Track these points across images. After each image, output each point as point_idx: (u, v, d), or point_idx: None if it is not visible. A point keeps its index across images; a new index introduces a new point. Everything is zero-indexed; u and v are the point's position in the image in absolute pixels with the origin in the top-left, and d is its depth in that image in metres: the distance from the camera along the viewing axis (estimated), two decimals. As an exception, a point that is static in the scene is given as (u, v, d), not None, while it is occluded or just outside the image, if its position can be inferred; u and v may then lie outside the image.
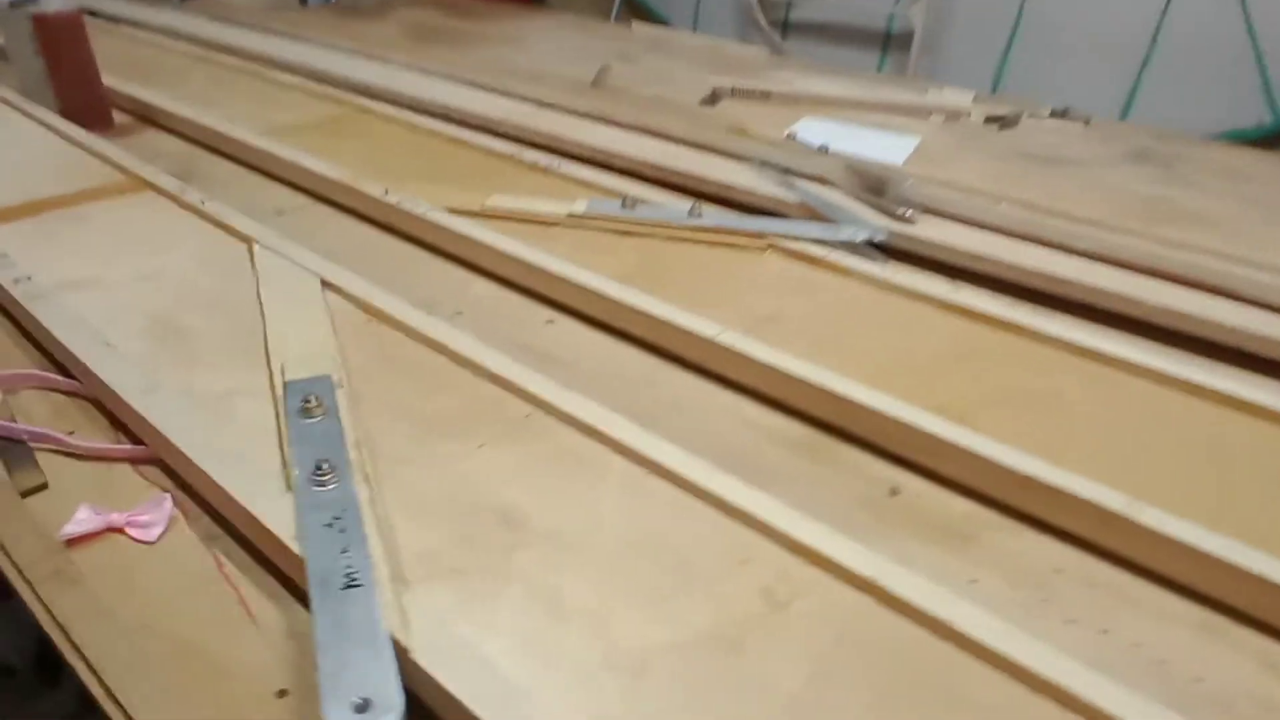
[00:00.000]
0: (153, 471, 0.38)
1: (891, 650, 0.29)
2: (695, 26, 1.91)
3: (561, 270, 0.50)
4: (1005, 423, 0.41)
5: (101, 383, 0.40)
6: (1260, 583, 0.31)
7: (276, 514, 0.32)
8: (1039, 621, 0.32)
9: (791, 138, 0.72)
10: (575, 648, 0.28)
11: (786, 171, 0.67)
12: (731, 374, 0.45)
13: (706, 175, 0.66)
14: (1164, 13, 1.31)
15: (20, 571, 0.33)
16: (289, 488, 0.33)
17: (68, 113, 0.73)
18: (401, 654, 0.26)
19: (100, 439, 0.39)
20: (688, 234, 0.57)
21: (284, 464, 0.35)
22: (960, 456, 0.37)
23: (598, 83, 0.97)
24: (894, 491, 0.39)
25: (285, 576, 0.32)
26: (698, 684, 0.27)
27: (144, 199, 0.60)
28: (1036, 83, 1.43)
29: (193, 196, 0.59)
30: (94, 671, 0.29)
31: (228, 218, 0.56)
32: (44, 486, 0.37)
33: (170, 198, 0.60)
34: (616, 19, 1.87)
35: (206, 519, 0.35)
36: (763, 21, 1.81)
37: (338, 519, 0.31)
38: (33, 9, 0.72)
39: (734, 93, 0.93)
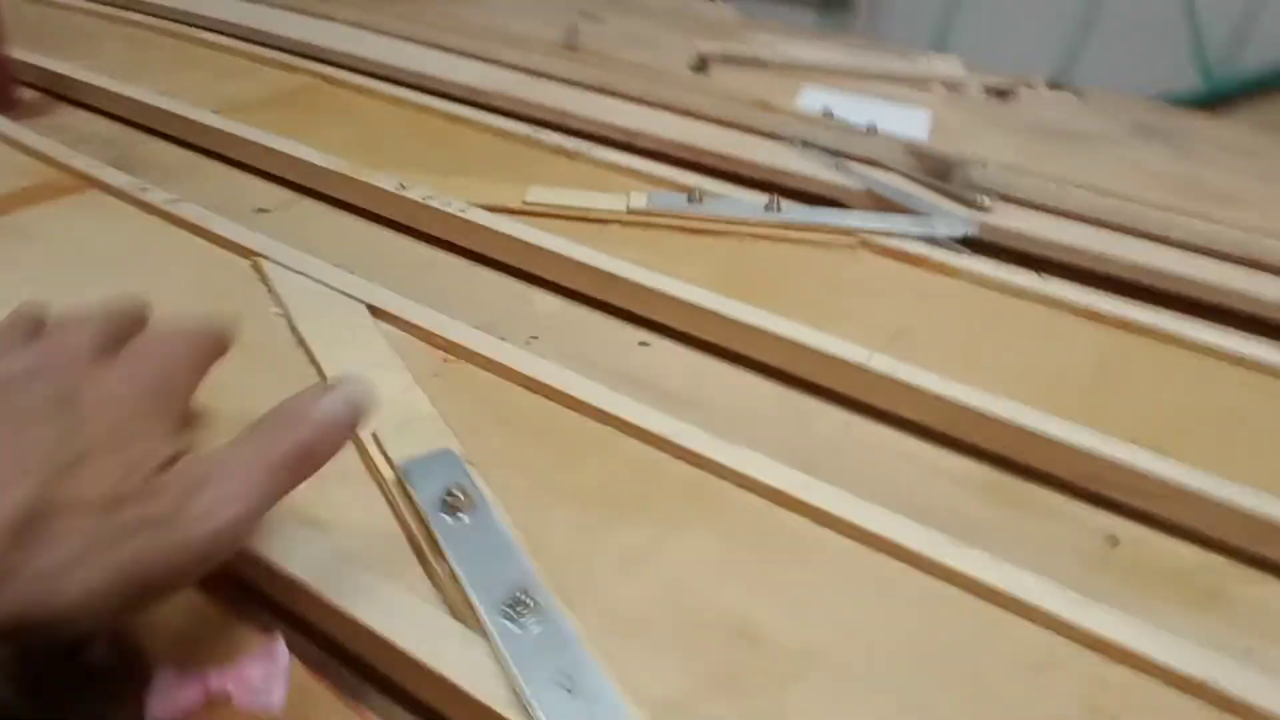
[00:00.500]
0: (217, 580, 0.28)
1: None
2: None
3: (658, 284, 0.43)
4: (1207, 450, 0.37)
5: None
6: None
7: (476, 675, 0.23)
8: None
9: (829, 114, 0.66)
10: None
11: (836, 154, 0.61)
12: (885, 404, 0.39)
13: (755, 160, 0.59)
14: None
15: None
16: (458, 620, 0.25)
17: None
18: None
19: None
20: (769, 231, 0.50)
21: (434, 584, 0.27)
22: (1196, 502, 0.33)
23: (570, 44, 0.87)
24: (1113, 541, 0.34)
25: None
26: None
27: (90, 201, 0.47)
28: (978, 44, 1.43)
29: (157, 196, 0.47)
30: None
31: (212, 224, 0.45)
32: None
33: (127, 199, 0.47)
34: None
35: (334, 661, 0.27)
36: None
37: (567, 675, 0.23)
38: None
39: (725, 59, 0.86)
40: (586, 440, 0.34)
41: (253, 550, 0.27)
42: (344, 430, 0.25)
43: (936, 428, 0.38)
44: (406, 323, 0.39)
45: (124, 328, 0.27)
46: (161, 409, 0.24)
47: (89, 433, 0.22)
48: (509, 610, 0.25)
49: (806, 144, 0.62)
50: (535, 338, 0.43)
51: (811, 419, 0.39)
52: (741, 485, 0.33)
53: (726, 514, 0.32)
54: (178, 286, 0.41)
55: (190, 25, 0.79)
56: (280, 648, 0.26)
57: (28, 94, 0.62)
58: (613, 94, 0.69)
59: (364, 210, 0.51)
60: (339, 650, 0.27)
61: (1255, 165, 0.76)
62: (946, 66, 0.90)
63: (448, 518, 0.28)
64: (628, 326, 0.44)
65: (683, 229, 0.50)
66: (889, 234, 0.50)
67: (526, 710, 0.22)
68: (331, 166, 0.51)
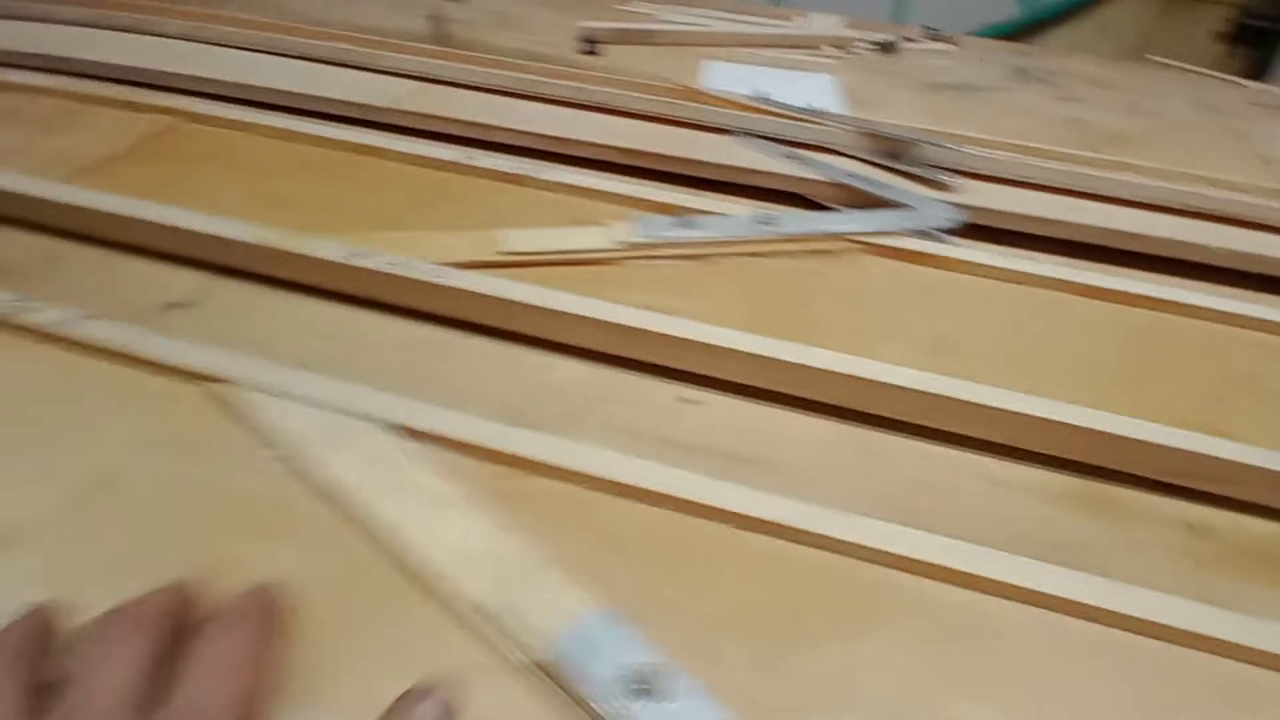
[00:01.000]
0: None
1: None
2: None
3: (695, 334, 0.38)
4: (1253, 425, 0.39)
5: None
6: None
7: None
8: None
9: (765, 97, 0.63)
10: None
11: (783, 143, 0.58)
12: (957, 428, 0.37)
13: (700, 158, 0.55)
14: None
15: None
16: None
17: None
18: None
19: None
20: (769, 247, 0.47)
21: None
22: (1271, 481, 0.34)
23: (438, 34, 0.78)
24: (1199, 531, 0.35)
25: None
26: None
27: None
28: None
29: (47, 316, 0.36)
30: None
31: (140, 346, 0.35)
32: None
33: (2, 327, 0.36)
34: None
35: None
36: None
37: None
38: None
39: (612, 36, 0.80)
40: (705, 547, 0.30)
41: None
42: None
43: (1001, 440, 0.37)
44: (450, 440, 0.33)
45: (164, 643, 0.20)
46: None
47: None
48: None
49: (746, 133, 0.59)
50: (570, 417, 0.37)
51: (885, 456, 0.37)
52: (894, 566, 0.30)
53: (896, 605, 0.29)
54: (109, 456, 0.32)
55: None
56: None
57: None
58: (523, 96, 0.63)
59: (297, 284, 0.42)
60: None
61: (1120, 99, 0.81)
62: (827, 25, 0.89)
63: (646, 708, 0.23)
64: (661, 382, 0.40)
65: (682, 256, 0.46)
66: (885, 234, 0.49)
67: None
68: (256, 241, 0.41)
